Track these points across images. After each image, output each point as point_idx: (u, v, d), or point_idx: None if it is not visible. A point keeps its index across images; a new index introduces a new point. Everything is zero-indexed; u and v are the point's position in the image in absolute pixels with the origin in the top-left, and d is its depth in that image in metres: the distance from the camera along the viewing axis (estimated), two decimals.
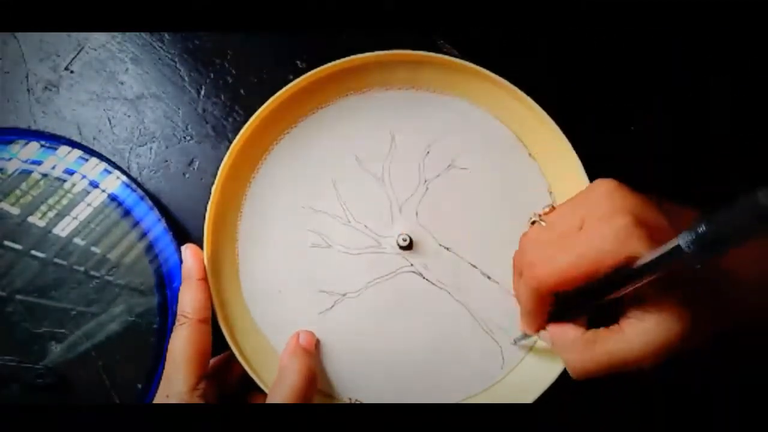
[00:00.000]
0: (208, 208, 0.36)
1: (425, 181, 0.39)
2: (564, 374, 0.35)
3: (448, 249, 0.38)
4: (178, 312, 0.35)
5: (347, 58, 0.38)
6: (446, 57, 0.37)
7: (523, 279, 0.31)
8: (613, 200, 0.28)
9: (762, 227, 0.21)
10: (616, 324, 0.29)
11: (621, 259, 0.27)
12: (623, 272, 0.27)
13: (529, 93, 0.37)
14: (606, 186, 0.29)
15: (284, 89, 0.37)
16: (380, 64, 0.38)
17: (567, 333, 0.31)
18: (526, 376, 0.37)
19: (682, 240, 0.23)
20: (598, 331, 0.30)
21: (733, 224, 0.22)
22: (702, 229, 0.23)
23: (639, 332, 0.28)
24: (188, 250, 0.36)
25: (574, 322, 0.31)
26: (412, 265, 0.38)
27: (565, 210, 0.31)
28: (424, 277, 0.38)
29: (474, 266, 0.38)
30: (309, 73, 0.37)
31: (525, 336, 0.36)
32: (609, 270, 0.27)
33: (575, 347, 0.30)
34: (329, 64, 0.38)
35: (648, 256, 0.26)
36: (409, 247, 0.38)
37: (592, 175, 0.35)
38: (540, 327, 0.33)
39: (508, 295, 0.37)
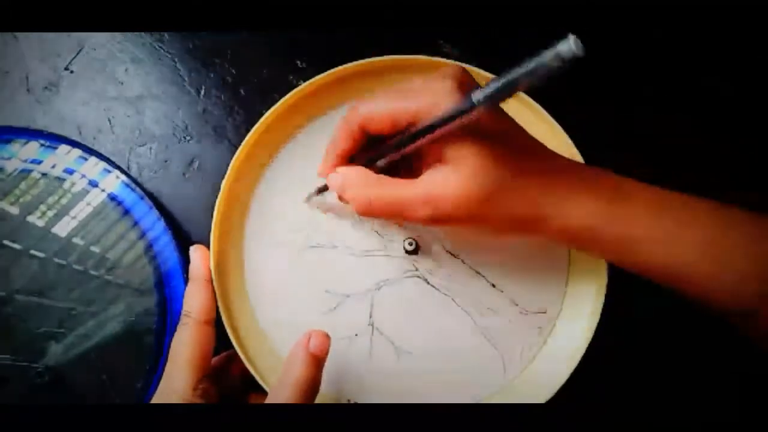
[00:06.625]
0: (216, 207, 0.36)
1: None
2: (568, 380, 0.35)
3: (454, 255, 0.38)
4: (183, 312, 0.35)
5: (358, 62, 0.37)
6: (457, 63, 0.37)
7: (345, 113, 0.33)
8: (446, 70, 0.31)
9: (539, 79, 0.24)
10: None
11: (431, 111, 0.29)
12: (427, 124, 0.29)
13: (533, 96, 0.37)
14: (449, 65, 0.33)
15: (295, 90, 0.37)
16: (391, 67, 0.38)
17: (359, 170, 0.32)
18: (527, 385, 0.37)
19: (474, 95, 0.26)
20: (392, 178, 0.31)
21: (516, 81, 0.25)
22: (491, 86, 0.26)
23: (426, 180, 0.30)
24: (197, 252, 0.36)
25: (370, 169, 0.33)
26: (417, 269, 0.38)
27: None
28: (428, 283, 0.38)
29: (479, 274, 0.38)
30: (320, 76, 0.37)
31: (317, 191, 0.37)
32: (420, 118, 0.29)
33: (365, 182, 0.32)
34: (340, 67, 0.37)
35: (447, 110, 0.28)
36: (415, 251, 0.38)
37: None
38: (334, 167, 0.34)
39: (512, 304, 0.38)
